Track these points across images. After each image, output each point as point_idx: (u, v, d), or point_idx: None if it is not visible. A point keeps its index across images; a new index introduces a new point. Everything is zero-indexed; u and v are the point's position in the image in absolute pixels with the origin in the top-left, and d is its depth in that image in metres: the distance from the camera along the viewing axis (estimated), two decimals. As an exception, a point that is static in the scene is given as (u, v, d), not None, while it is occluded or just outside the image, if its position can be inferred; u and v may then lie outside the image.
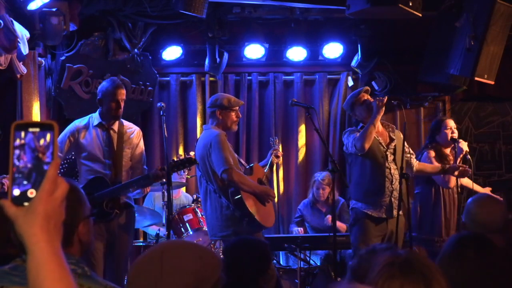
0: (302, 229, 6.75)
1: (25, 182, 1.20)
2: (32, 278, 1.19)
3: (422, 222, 6.09)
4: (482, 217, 2.93)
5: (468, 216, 3.00)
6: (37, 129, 1.21)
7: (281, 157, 5.73)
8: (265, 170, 5.46)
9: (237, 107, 5.27)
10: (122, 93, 5.06)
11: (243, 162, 5.46)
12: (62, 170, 6.07)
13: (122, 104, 5.06)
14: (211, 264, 1.72)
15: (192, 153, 5.33)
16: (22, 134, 1.21)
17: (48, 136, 1.22)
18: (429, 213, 6.04)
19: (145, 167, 5.24)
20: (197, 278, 1.67)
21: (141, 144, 5.25)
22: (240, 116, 5.40)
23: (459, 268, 2.08)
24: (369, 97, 5.66)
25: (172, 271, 1.65)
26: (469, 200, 3.18)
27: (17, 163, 1.20)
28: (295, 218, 6.97)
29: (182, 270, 1.66)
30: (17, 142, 1.21)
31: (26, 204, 1.19)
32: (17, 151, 1.21)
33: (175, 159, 5.05)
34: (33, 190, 1.20)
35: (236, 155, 5.28)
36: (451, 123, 6.13)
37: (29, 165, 1.21)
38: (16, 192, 1.20)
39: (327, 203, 6.67)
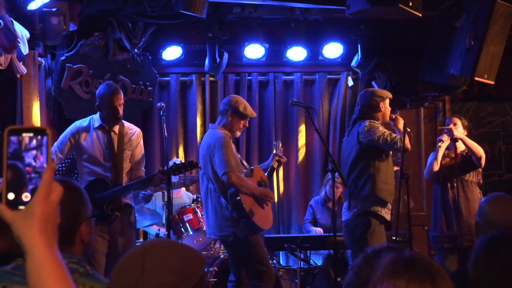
0: (321, 229, 6.77)
1: None
2: (33, 280, 1.20)
3: (431, 220, 6.25)
4: (495, 216, 2.89)
5: (481, 216, 2.96)
6: (31, 134, 1.22)
7: (282, 162, 5.70)
8: (265, 174, 5.46)
9: (248, 118, 5.28)
10: (119, 98, 5.00)
11: (245, 164, 5.47)
12: (60, 170, 6.07)
13: (121, 108, 5.02)
14: (193, 263, 1.72)
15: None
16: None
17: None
18: (433, 210, 6.15)
19: (143, 168, 5.23)
20: (178, 277, 1.67)
21: (141, 145, 5.22)
22: (247, 125, 5.40)
23: (497, 268, 2.07)
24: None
25: (153, 270, 1.66)
26: (483, 199, 3.14)
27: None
28: (308, 217, 6.99)
29: (163, 269, 1.67)
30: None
31: (21, 207, 1.20)
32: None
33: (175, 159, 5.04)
34: (27, 194, 1.21)
35: (238, 156, 5.28)
36: (453, 121, 6.12)
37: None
38: (11, 196, 1.20)
39: (340, 202, 6.66)
